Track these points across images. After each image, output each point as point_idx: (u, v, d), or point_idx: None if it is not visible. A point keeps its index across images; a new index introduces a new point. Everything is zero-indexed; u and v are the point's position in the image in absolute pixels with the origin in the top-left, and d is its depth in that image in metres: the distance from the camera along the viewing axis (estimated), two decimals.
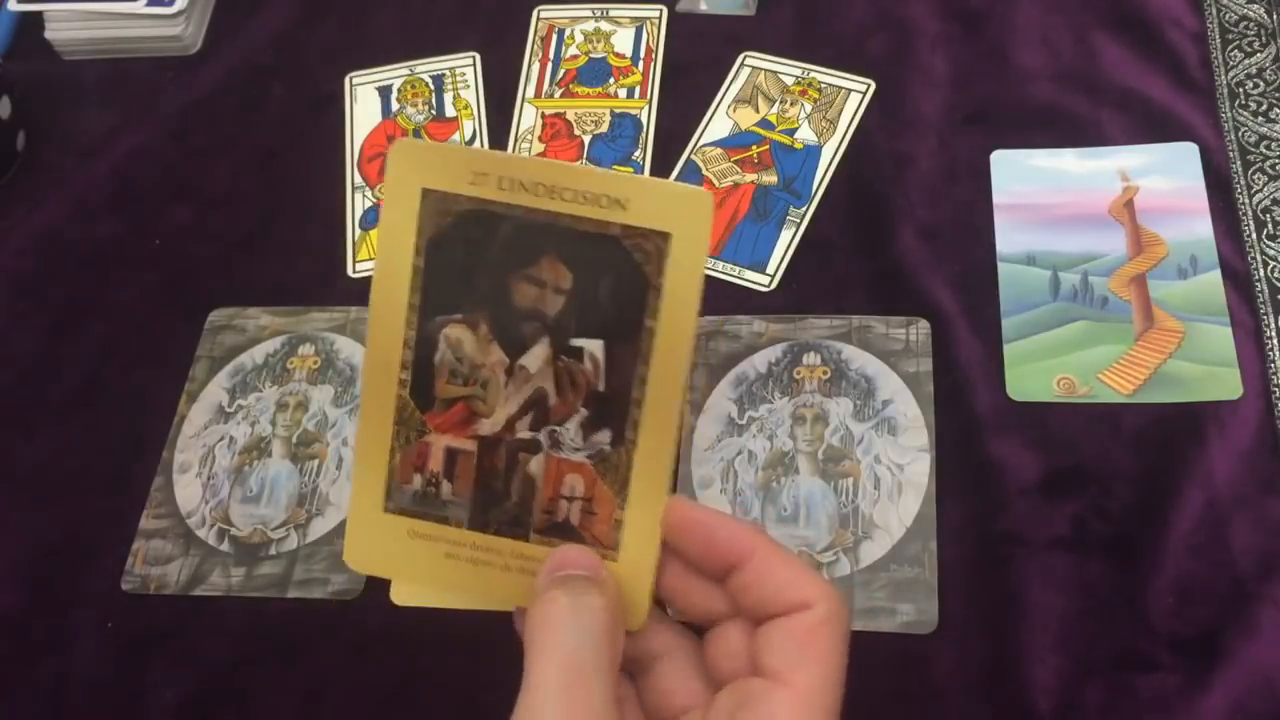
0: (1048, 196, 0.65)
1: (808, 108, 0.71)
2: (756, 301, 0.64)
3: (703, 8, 0.78)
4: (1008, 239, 0.64)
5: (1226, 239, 0.62)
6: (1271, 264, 0.61)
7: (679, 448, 0.54)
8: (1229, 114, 0.67)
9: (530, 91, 0.76)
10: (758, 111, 0.72)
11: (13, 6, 0.82)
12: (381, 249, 0.37)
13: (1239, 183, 0.64)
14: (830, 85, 0.72)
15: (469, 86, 0.77)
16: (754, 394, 0.60)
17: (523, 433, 0.37)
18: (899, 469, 0.57)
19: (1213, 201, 0.63)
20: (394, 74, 0.78)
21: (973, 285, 0.63)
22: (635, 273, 0.35)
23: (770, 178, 0.69)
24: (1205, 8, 0.71)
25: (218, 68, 0.81)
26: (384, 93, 0.77)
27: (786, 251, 0.66)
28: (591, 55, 0.77)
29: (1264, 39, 0.69)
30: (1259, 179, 0.64)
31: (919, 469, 0.57)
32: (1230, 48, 0.69)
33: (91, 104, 0.81)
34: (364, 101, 0.77)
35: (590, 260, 0.36)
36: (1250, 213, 0.63)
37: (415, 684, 0.55)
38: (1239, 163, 0.65)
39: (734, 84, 0.73)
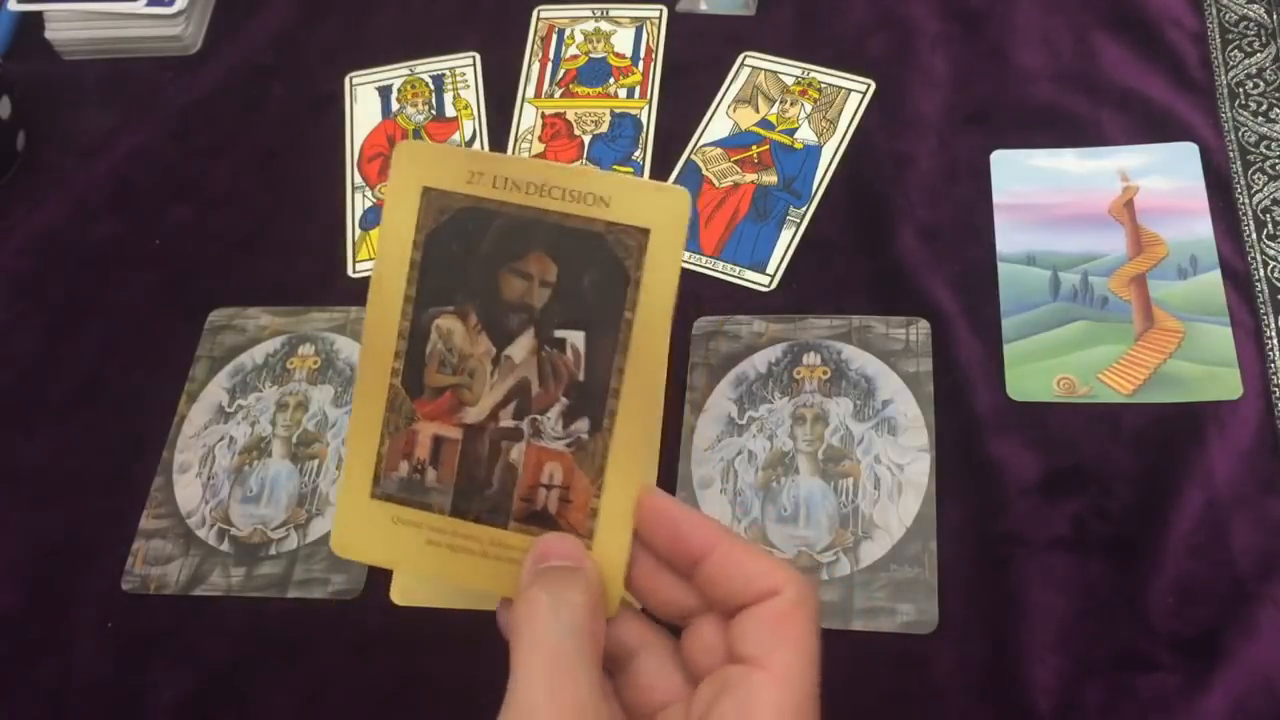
0: (1048, 196, 0.65)
1: (808, 108, 0.71)
2: (756, 301, 0.64)
3: (703, 8, 0.78)
4: (1008, 239, 0.64)
5: (1226, 239, 0.62)
6: (1271, 264, 0.61)
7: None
8: (1229, 114, 0.67)
9: (530, 91, 0.76)
10: (758, 111, 0.72)
11: (13, 6, 0.82)
12: (382, 244, 0.39)
13: (1239, 183, 0.64)
14: (830, 85, 0.72)
15: (469, 86, 0.77)
16: (754, 394, 0.60)
17: (506, 421, 0.38)
18: (899, 469, 0.57)
19: (1213, 201, 0.63)
20: (394, 74, 0.78)
21: (973, 285, 0.63)
22: (616, 266, 0.37)
23: (770, 178, 0.69)
24: (1205, 8, 0.71)
25: (218, 68, 0.81)
26: (384, 93, 0.77)
27: (786, 251, 0.66)
28: (591, 55, 0.77)
29: (1264, 39, 0.69)
30: (1259, 179, 0.64)
31: (919, 469, 0.57)
32: (1230, 48, 0.69)
33: (91, 104, 0.81)
34: (364, 101, 0.77)
35: (575, 254, 0.37)
36: (1250, 213, 0.63)
37: (415, 684, 0.55)
38: (1239, 163, 0.65)
39: (734, 84, 0.73)
